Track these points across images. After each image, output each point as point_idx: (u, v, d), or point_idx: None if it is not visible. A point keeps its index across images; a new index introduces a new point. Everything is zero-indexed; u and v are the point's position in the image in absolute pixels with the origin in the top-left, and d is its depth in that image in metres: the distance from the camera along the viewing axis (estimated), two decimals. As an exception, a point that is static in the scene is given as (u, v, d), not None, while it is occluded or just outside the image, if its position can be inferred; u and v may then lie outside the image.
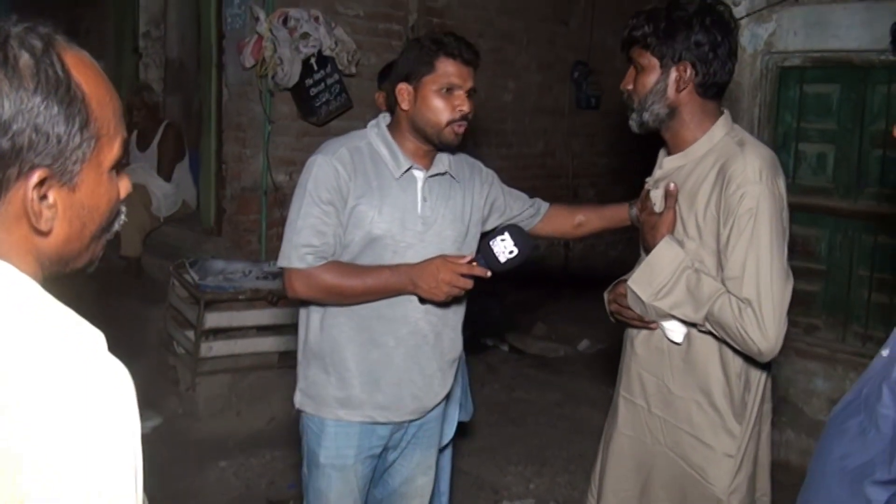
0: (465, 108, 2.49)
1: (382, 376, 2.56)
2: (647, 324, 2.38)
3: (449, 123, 2.48)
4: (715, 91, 2.30)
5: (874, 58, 3.99)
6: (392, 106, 2.59)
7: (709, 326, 2.19)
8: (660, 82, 2.27)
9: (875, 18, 3.88)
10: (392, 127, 2.59)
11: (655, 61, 2.26)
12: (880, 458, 1.43)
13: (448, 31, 2.67)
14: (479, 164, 2.84)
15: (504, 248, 2.40)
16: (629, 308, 2.40)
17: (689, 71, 2.23)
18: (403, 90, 2.51)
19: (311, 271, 2.45)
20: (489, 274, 2.42)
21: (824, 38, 4.05)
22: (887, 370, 1.46)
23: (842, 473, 1.51)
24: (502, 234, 2.43)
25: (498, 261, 2.41)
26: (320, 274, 2.44)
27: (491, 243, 2.42)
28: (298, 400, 2.63)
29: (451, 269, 2.39)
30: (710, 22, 2.21)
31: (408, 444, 2.72)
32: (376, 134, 2.58)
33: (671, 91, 2.27)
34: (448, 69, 2.47)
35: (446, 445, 3.38)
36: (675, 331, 2.31)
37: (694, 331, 2.27)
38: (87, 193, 1.07)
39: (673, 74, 2.25)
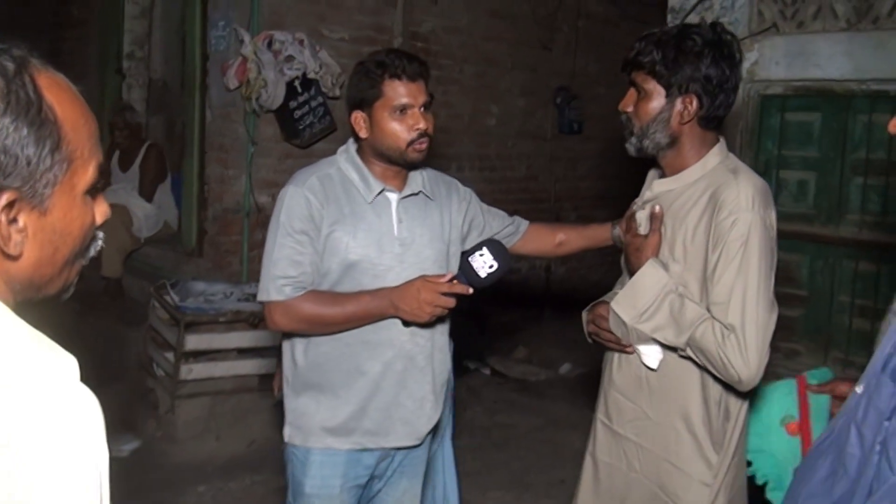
0: (422, 125, 2.46)
1: (370, 402, 2.53)
2: (623, 347, 2.36)
3: (409, 144, 2.45)
4: (716, 123, 2.28)
5: (855, 87, 4.03)
6: (354, 133, 2.56)
7: (690, 352, 2.17)
8: (664, 111, 2.22)
9: (856, 48, 3.92)
10: (360, 151, 2.57)
11: (661, 89, 2.22)
12: (844, 500, 1.41)
13: (391, 49, 2.66)
14: (456, 182, 2.82)
15: (483, 262, 2.38)
16: (607, 330, 2.38)
17: (694, 103, 2.20)
18: (358, 118, 2.49)
19: (289, 303, 2.42)
20: (471, 291, 2.40)
21: (806, 67, 4.08)
22: (857, 410, 1.44)
23: None
24: (480, 249, 2.40)
25: (478, 276, 2.38)
26: (299, 304, 2.42)
27: (470, 259, 2.39)
28: (288, 434, 2.58)
29: (432, 288, 2.36)
30: (719, 55, 2.18)
31: (393, 473, 2.68)
32: (346, 159, 2.55)
33: (674, 121, 2.23)
34: (397, 90, 2.44)
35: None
36: (651, 356, 2.29)
37: (674, 356, 2.25)
38: (59, 217, 1.05)
39: (678, 105, 2.21)
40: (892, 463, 1.27)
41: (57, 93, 1.04)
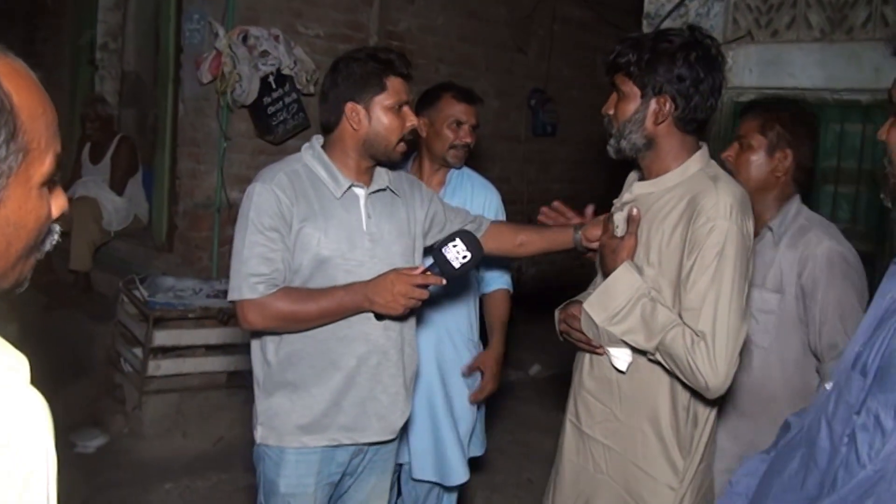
0: (415, 121, 2.55)
1: (345, 397, 2.53)
2: (594, 348, 2.36)
3: (399, 141, 2.52)
4: (695, 126, 2.28)
5: (828, 96, 4.07)
6: (332, 125, 2.57)
7: (659, 357, 2.17)
8: (639, 112, 2.24)
9: (829, 58, 3.95)
10: (329, 146, 2.58)
11: (637, 90, 2.24)
12: (814, 493, 1.45)
13: (383, 47, 2.70)
14: (418, 180, 2.87)
15: (457, 253, 2.39)
16: (578, 330, 2.38)
17: (668, 104, 2.21)
18: (354, 110, 2.50)
19: (263, 300, 2.40)
20: (444, 281, 2.42)
21: (779, 76, 4.12)
22: (827, 404, 1.48)
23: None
24: (453, 240, 2.41)
25: (452, 266, 2.39)
26: (273, 302, 2.41)
27: (443, 250, 2.40)
28: (260, 434, 2.55)
29: (406, 280, 2.37)
30: (694, 57, 2.19)
31: (364, 470, 2.68)
32: (312, 156, 2.56)
33: (649, 122, 2.24)
34: (398, 87, 2.51)
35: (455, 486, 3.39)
36: (621, 359, 2.29)
37: (644, 359, 2.25)
38: (12, 209, 1.01)
39: (652, 106, 2.23)
40: (860, 455, 1.30)
41: (15, 80, 1.00)
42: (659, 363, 2.20)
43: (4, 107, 0.97)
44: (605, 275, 2.33)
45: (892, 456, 1.24)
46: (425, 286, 2.41)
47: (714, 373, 2.06)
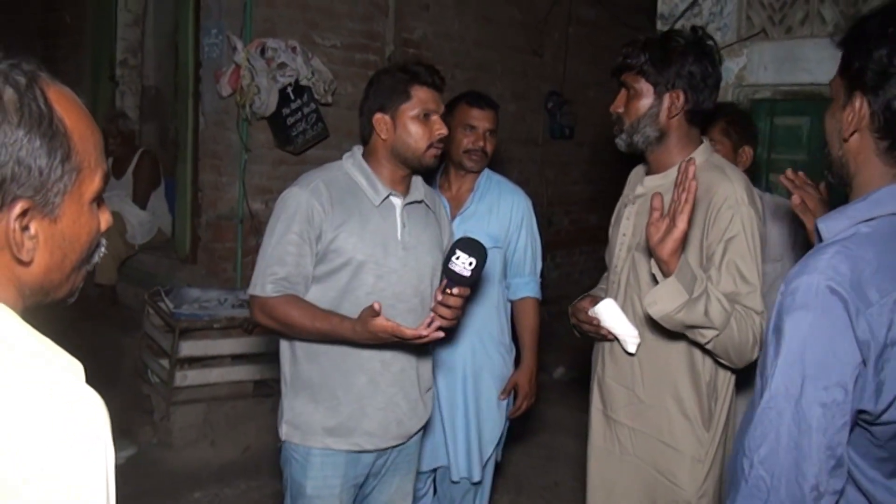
0: (444, 130, 2.59)
1: (370, 402, 2.57)
2: (604, 336, 2.48)
3: (429, 147, 2.57)
4: (700, 118, 2.42)
5: (843, 91, 4.06)
6: (367, 136, 2.64)
7: (714, 341, 2.14)
8: (653, 107, 2.37)
9: (843, 53, 3.95)
10: (367, 156, 2.64)
11: (650, 87, 2.37)
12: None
13: (415, 61, 2.75)
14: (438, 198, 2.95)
15: (462, 264, 2.35)
16: (586, 322, 2.52)
17: (681, 98, 2.35)
18: (381, 120, 2.57)
19: (269, 301, 2.48)
20: (468, 291, 2.42)
21: (794, 72, 4.12)
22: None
23: None
24: (454, 252, 2.37)
25: (464, 277, 2.37)
26: (276, 305, 2.47)
27: (450, 266, 2.36)
28: (285, 431, 2.61)
29: (389, 329, 2.29)
30: (701, 54, 2.34)
31: (387, 472, 2.72)
32: (352, 164, 2.62)
33: (663, 116, 2.37)
34: (423, 96, 2.57)
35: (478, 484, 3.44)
36: (629, 342, 2.40)
37: (659, 339, 2.34)
38: (68, 224, 1.09)
39: (666, 101, 2.36)
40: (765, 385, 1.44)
41: (65, 105, 1.08)
42: (681, 339, 2.27)
43: (59, 130, 1.05)
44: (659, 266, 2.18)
45: (767, 404, 1.42)
46: (460, 296, 2.41)
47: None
